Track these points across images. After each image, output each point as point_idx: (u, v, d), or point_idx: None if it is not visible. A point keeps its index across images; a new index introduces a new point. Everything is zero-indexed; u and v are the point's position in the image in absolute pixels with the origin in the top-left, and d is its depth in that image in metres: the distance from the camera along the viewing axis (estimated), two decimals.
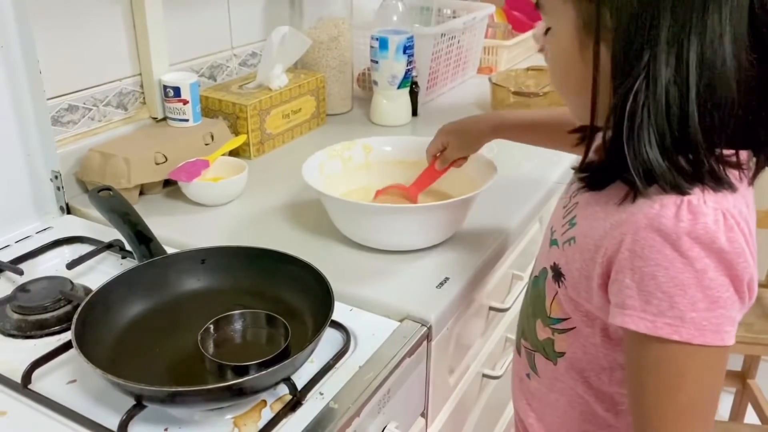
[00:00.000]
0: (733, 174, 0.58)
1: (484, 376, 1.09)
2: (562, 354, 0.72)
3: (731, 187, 0.57)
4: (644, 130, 0.55)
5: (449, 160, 0.99)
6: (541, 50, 0.69)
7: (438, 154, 1.00)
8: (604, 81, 0.59)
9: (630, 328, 0.58)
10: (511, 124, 0.93)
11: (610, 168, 0.60)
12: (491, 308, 1.05)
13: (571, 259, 0.66)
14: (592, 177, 0.63)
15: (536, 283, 0.74)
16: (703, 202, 0.55)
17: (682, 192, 0.56)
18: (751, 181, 0.61)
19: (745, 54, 0.55)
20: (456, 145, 0.97)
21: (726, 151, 0.58)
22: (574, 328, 0.69)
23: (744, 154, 0.60)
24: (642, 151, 0.56)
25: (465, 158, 0.99)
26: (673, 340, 0.56)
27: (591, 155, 0.64)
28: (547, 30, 0.65)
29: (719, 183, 0.57)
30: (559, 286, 0.69)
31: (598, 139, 0.61)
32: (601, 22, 0.57)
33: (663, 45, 0.54)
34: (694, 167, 0.56)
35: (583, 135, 0.66)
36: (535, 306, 0.74)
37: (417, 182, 1.02)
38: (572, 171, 0.69)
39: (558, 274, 0.68)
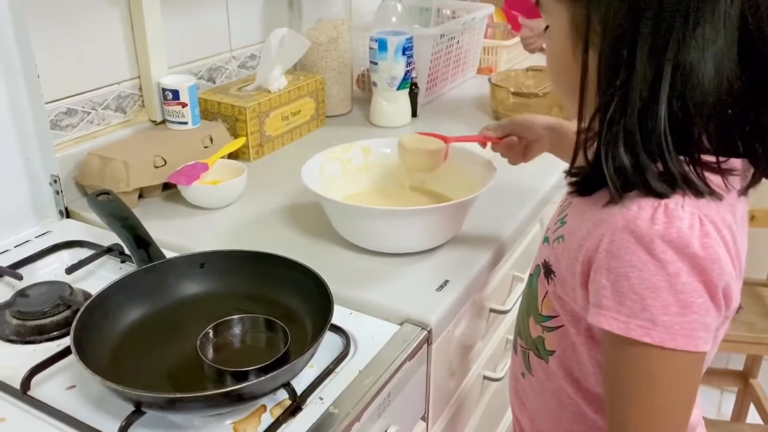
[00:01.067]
0: (719, 184, 0.58)
1: (485, 378, 1.09)
2: (552, 352, 0.72)
3: (713, 195, 0.57)
4: (619, 137, 0.56)
5: (502, 130, 0.95)
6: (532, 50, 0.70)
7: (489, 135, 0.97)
8: (592, 85, 0.60)
9: (604, 327, 0.58)
10: (563, 130, 0.92)
11: (596, 174, 0.60)
12: (492, 310, 1.05)
13: (560, 256, 0.67)
14: (581, 182, 0.64)
15: (531, 281, 0.76)
16: (681, 206, 0.56)
17: (660, 196, 0.56)
18: (744, 192, 0.61)
19: (733, 67, 0.55)
20: (517, 122, 0.95)
21: (707, 158, 0.58)
22: (563, 326, 0.70)
23: (738, 163, 0.59)
24: (617, 158, 0.57)
25: (512, 144, 0.95)
26: (645, 342, 0.56)
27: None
28: (546, 27, 0.67)
29: (697, 190, 0.57)
30: (548, 284, 0.70)
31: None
32: (591, 27, 0.58)
33: (643, 55, 0.55)
34: (668, 174, 0.56)
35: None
36: (528, 303, 0.76)
37: (455, 138, 0.99)
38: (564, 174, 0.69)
39: (549, 271, 0.69)
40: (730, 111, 0.57)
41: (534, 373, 0.76)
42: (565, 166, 0.66)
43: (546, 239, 0.72)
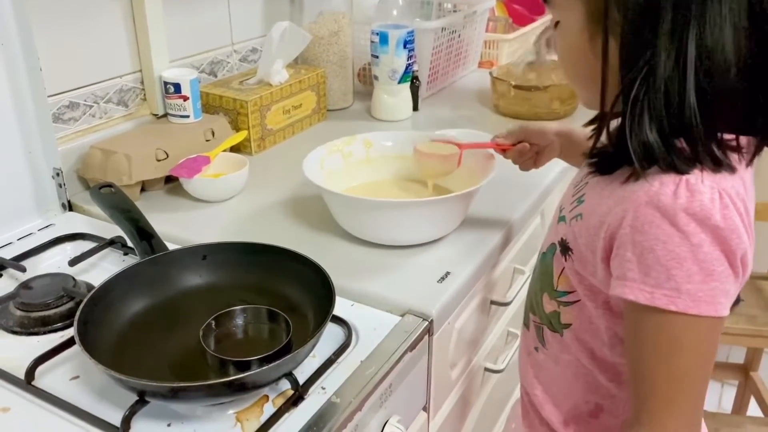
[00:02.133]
0: (732, 157, 0.61)
1: (486, 370, 1.09)
2: (568, 326, 0.75)
3: (730, 169, 0.60)
4: (644, 115, 0.59)
5: (514, 137, 0.96)
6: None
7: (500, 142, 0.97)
8: (612, 71, 0.62)
9: (629, 298, 0.61)
10: (573, 137, 0.94)
11: (617, 153, 0.63)
12: (493, 302, 1.05)
13: (578, 234, 0.69)
14: (601, 162, 0.67)
15: (544, 259, 0.78)
16: (701, 181, 0.59)
17: (681, 172, 0.59)
18: (750, 162, 0.64)
19: (745, 43, 0.58)
20: (528, 129, 0.96)
21: (726, 136, 0.61)
22: (579, 301, 0.72)
23: (743, 139, 0.62)
24: (642, 135, 0.59)
25: (520, 151, 0.96)
26: (670, 310, 0.59)
27: (602, 141, 0.68)
28: (557, 23, 0.69)
29: (718, 165, 0.60)
30: (566, 260, 0.72)
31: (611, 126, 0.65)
32: (609, 16, 0.61)
33: (665, 36, 0.58)
34: (692, 150, 0.60)
35: (598, 126, 0.69)
36: (542, 281, 0.78)
37: (469, 144, 1.00)
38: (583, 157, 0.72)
39: (565, 249, 0.72)
40: (744, 87, 0.59)
41: (548, 346, 0.79)
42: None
43: (562, 218, 0.74)
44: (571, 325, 0.74)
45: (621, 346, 0.71)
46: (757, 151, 0.64)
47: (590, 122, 0.73)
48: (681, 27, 0.57)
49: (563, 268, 0.73)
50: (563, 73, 0.74)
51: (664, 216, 0.59)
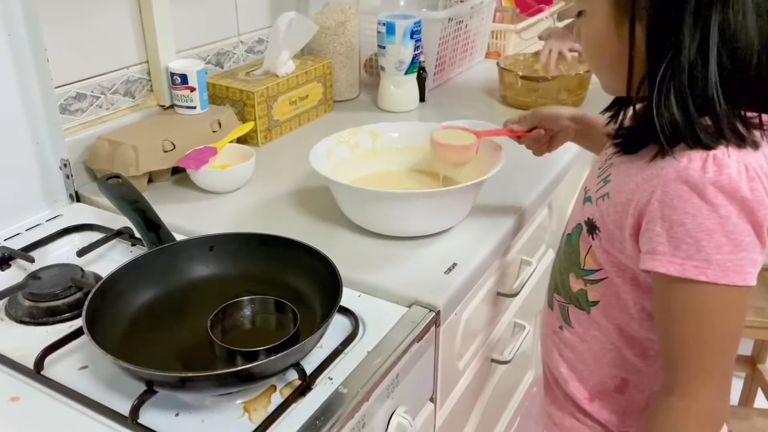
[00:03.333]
0: (755, 134, 0.63)
1: (493, 361, 1.09)
2: (595, 303, 0.76)
3: (754, 145, 0.62)
4: (671, 95, 0.62)
5: (528, 123, 0.96)
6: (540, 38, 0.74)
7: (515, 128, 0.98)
8: (639, 55, 0.65)
9: (660, 271, 0.63)
10: (586, 121, 0.95)
11: (642, 132, 0.65)
12: (499, 294, 1.05)
13: (605, 212, 0.71)
14: (626, 142, 0.69)
15: (569, 240, 0.80)
16: (728, 155, 0.61)
17: (707, 148, 0.61)
18: None
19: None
20: (542, 115, 0.96)
21: (749, 114, 0.63)
22: (606, 278, 0.74)
23: (765, 116, 0.64)
24: (669, 114, 0.62)
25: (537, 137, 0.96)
26: (701, 281, 0.62)
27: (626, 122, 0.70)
28: (580, 12, 0.72)
29: (742, 140, 0.62)
30: (593, 239, 0.74)
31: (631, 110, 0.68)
32: (636, 2, 0.64)
33: (689, 19, 0.60)
34: (717, 127, 0.62)
35: (616, 111, 0.74)
36: (569, 261, 0.79)
37: (486, 131, 1.00)
38: (607, 139, 0.75)
39: (593, 228, 0.74)
40: (766, 67, 0.61)
41: (574, 324, 0.80)
42: (576, 146, 0.65)
43: (588, 199, 0.76)
44: (598, 302, 0.76)
45: (649, 320, 0.72)
46: None
47: (608, 108, 0.76)
48: (705, 11, 0.60)
49: (590, 247, 0.75)
50: (587, 60, 0.75)
51: (692, 190, 0.60)
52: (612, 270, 0.73)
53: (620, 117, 0.74)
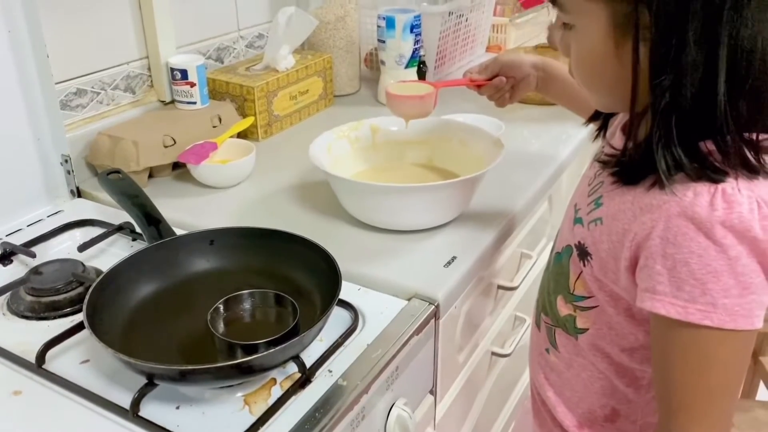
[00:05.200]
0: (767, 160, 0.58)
1: (493, 354, 1.10)
2: (583, 330, 0.72)
3: (766, 175, 0.57)
4: (672, 122, 0.57)
5: (489, 71, 0.95)
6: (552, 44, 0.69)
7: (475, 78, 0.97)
8: (642, 75, 0.59)
9: (660, 313, 0.59)
10: (549, 69, 0.93)
11: (643, 163, 0.60)
12: (500, 287, 1.05)
13: (598, 239, 0.66)
14: (625, 172, 0.63)
15: (559, 259, 0.75)
16: (738, 190, 0.56)
17: (714, 181, 0.56)
18: None
19: None
20: (502, 62, 0.95)
21: (762, 136, 0.58)
22: (598, 306, 0.70)
23: None
24: (670, 145, 0.57)
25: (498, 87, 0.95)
26: (705, 325, 0.57)
27: (616, 142, 0.65)
28: (565, 25, 0.65)
29: (753, 171, 0.57)
30: (584, 266, 0.69)
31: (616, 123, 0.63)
32: (639, 22, 0.57)
33: (695, 39, 0.55)
34: (723, 154, 0.57)
35: (603, 122, 0.69)
36: (557, 282, 0.75)
37: (444, 82, 0.98)
38: (592, 142, 0.72)
39: (584, 253, 0.69)
40: None
41: (560, 349, 0.77)
42: (576, 138, 0.64)
43: (578, 220, 0.70)
44: (587, 330, 0.72)
45: (640, 351, 0.69)
46: None
47: (590, 120, 0.71)
48: (712, 30, 0.55)
49: (581, 272, 0.70)
50: (579, 78, 0.67)
51: (699, 228, 0.56)
52: (604, 299, 0.69)
53: (608, 130, 0.70)
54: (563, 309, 0.74)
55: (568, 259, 0.72)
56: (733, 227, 0.55)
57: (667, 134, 0.57)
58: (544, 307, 0.78)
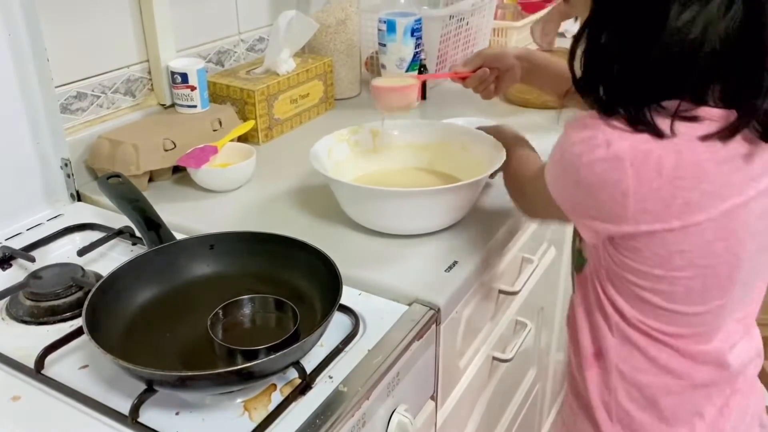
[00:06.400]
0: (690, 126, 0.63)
1: (495, 359, 1.09)
2: (586, 261, 0.77)
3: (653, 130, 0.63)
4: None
5: (473, 64, 0.98)
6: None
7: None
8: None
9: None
10: (533, 59, 0.97)
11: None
12: (501, 291, 1.05)
13: None
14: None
15: None
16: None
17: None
18: (723, 136, 0.63)
19: (722, 30, 0.60)
20: (486, 54, 0.98)
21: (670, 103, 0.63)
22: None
23: (716, 112, 0.63)
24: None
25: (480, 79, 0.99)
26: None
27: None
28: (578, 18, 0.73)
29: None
30: None
31: None
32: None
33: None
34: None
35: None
36: None
37: (427, 75, 1.02)
38: None
39: None
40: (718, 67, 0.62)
41: (576, 290, 0.82)
42: None
43: None
44: (587, 261, 0.77)
45: (621, 282, 0.73)
46: (738, 127, 0.63)
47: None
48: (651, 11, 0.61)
49: None
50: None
51: None
52: None
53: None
54: (577, 244, 0.81)
55: None
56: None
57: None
58: (571, 259, 0.84)
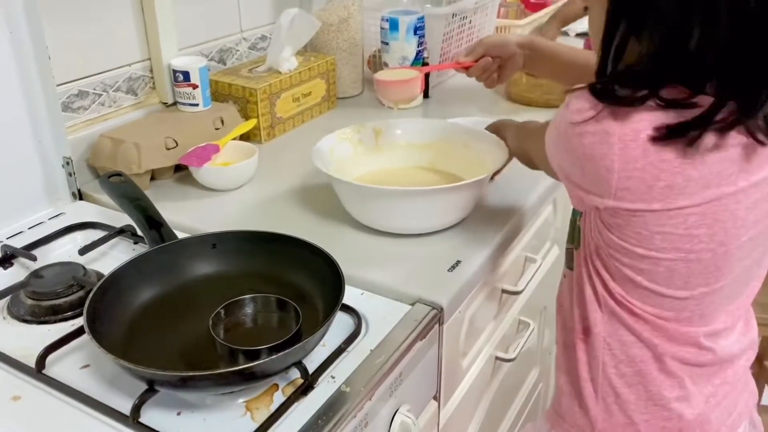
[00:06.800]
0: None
1: (498, 359, 1.09)
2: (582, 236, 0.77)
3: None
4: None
5: (475, 54, 0.99)
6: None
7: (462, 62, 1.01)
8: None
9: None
10: (536, 47, 0.97)
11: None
12: (504, 291, 1.05)
13: None
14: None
15: None
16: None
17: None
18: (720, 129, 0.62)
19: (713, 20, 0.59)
20: (488, 43, 0.98)
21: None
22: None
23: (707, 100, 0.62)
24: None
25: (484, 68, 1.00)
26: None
27: None
28: (585, 9, 0.77)
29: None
30: None
31: None
32: None
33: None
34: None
35: None
36: None
37: (429, 67, 1.04)
38: None
39: None
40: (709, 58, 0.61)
41: (575, 267, 0.80)
42: None
43: None
44: (583, 237, 0.77)
45: (605, 250, 0.72)
46: (736, 121, 0.62)
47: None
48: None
49: None
50: (595, 49, 0.74)
51: None
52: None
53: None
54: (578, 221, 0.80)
55: None
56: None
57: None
58: (569, 236, 0.83)
